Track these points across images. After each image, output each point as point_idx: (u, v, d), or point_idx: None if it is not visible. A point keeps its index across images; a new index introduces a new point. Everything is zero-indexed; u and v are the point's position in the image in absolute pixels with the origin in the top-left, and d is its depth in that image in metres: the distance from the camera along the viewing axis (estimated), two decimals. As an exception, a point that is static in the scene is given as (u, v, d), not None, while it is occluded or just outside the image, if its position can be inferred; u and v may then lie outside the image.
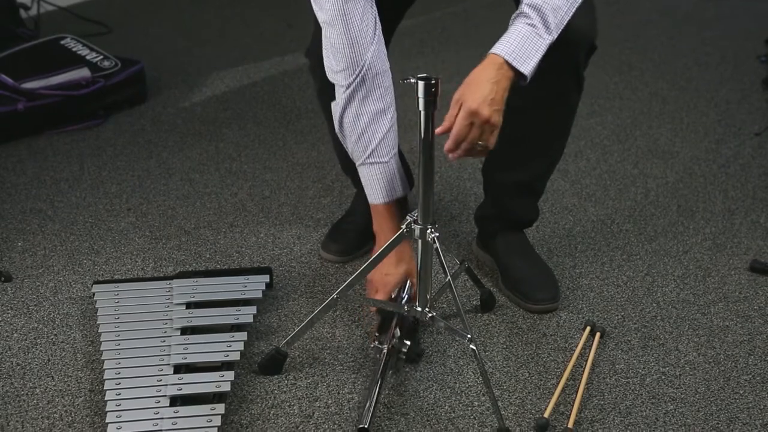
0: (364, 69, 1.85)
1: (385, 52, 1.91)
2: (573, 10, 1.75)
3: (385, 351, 1.86)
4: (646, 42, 3.73)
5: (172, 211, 2.54)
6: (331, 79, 1.90)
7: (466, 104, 1.67)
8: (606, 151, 2.83)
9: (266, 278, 2.14)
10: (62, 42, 3.24)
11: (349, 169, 2.35)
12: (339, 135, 1.97)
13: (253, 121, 3.08)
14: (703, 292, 2.17)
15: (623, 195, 2.59)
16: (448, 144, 1.71)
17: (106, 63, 3.13)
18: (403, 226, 1.84)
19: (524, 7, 1.72)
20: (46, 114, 2.95)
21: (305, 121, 3.06)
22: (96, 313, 2.04)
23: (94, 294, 2.10)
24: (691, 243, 2.36)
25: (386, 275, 1.94)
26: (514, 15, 1.74)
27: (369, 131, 1.91)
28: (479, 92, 1.66)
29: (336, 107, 1.92)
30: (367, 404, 1.76)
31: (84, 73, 3.04)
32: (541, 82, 1.77)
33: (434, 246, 1.82)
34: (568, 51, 1.86)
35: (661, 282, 2.22)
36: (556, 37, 1.73)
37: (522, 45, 1.69)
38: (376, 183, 1.95)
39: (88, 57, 3.15)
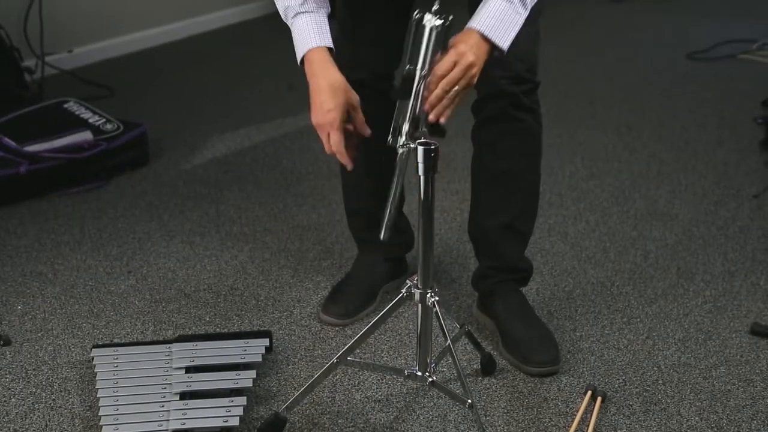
0: None
1: None
2: None
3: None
4: (643, 104, 3.77)
5: (173, 274, 2.54)
6: None
7: (456, 48, 1.73)
8: (605, 213, 2.85)
9: (266, 342, 2.13)
10: (65, 105, 3.27)
11: (355, 219, 2.37)
12: None
13: (254, 183, 3.09)
14: (705, 356, 2.17)
15: (623, 257, 2.60)
16: (435, 92, 1.73)
17: (109, 126, 3.16)
18: (403, 290, 1.84)
19: None
20: (48, 177, 2.97)
21: (306, 183, 3.08)
22: (95, 377, 2.03)
23: (93, 358, 2.09)
24: (691, 305, 2.36)
25: (329, 111, 1.84)
26: None
27: None
28: (469, 44, 1.74)
29: None
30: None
31: (86, 136, 3.06)
32: (496, 120, 2.03)
33: (434, 310, 1.83)
34: (503, 89, 2.00)
35: (662, 345, 2.21)
36: (527, 14, 1.80)
37: (500, 20, 1.76)
38: (308, 30, 1.88)
39: (90, 120, 3.18)
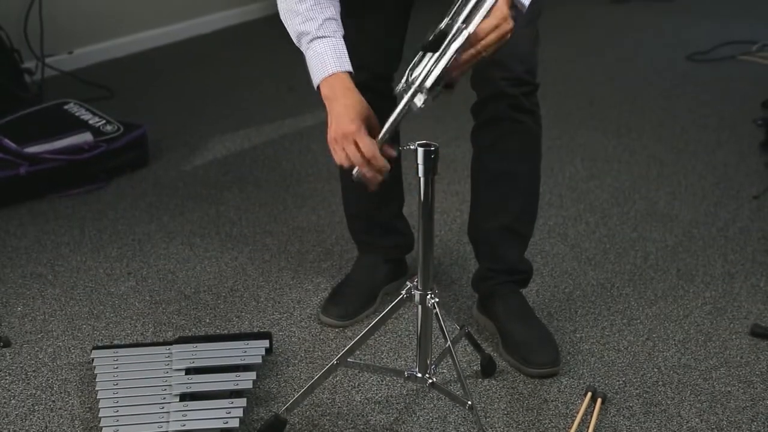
0: None
1: None
2: None
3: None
4: (643, 105, 3.76)
5: (173, 275, 2.54)
6: None
7: (495, 13, 1.70)
8: (605, 215, 2.84)
9: (266, 343, 2.13)
10: (65, 107, 3.27)
11: (355, 222, 2.37)
12: (287, 10, 1.88)
13: (254, 184, 3.09)
14: (705, 357, 2.17)
15: (623, 258, 2.60)
16: (470, 52, 1.70)
17: (109, 127, 3.16)
18: (403, 292, 1.84)
19: None
20: (49, 178, 2.97)
21: (306, 184, 3.08)
22: (95, 379, 2.03)
23: (93, 359, 2.09)
24: (691, 307, 2.36)
25: (351, 122, 1.79)
26: None
27: (316, 10, 1.86)
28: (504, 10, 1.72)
29: None
30: None
31: (86, 137, 3.06)
32: (496, 122, 2.06)
33: (434, 311, 1.83)
34: (503, 90, 2.02)
35: (662, 347, 2.21)
36: None
37: None
38: (326, 55, 1.84)
39: (90, 121, 3.18)
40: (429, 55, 1.69)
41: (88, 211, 2.91)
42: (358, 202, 2.35)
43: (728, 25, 4.79)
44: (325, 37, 1.85)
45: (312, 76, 1.86)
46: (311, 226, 2.80)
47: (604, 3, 5.34)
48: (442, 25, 1.70)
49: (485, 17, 1.69)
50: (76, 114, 3.23)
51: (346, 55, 1.86)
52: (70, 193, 3.00)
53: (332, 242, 2.70)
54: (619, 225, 2.78)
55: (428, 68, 1.68)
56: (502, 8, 1.72)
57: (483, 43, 1.70)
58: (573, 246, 2.67)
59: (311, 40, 1.85)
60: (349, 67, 1.86)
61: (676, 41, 4.61)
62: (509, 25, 1.72)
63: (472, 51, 1.70)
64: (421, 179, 1.73)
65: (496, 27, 1.71)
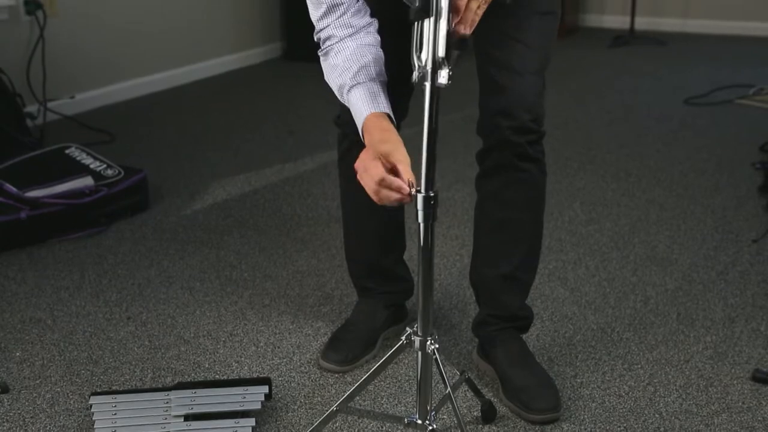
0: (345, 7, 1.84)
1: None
2: None
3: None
4: (642, 149, 3.79)
5: (172, 320, 2.53)
6: (317, 27, 1.88)
7: None
8: (605, 259, 2.85)
9: (265, 389, 2.12)
10: (67, 151, 3.29)
11: (356, 266, 2.37)
12: (327, 69, 1.88)
13: (254, 228, 3.10)
14: (706, 403, 2.15)
15: (623, 303, 2.59)
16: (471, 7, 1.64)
17: (110, 171, 3.17)
18: (403, 338, 1.84)
19: None
20: (49, 222, 2.98)
21: (306, 228, 3.09)
22: (93, 425, 2.02)
23: (91, 405, 2.08)
24: (692, 352, 2.35)
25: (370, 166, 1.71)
26: None
27: (353, 59, 1.84)
28: None
29: (327, 43, 1.88)
30: None
31: (87, 181, 3.08)
32: (499, 170, 2.06)
33: (434, 357, 1.82)
34: (508, 139, 2.03)
35: (663, 392, 2.20)
36: None
37: None
38: (361, 100, 1.81)
39: (91, 166, 3.20)
40: (426, 26, 1.60)
41: (87, 255, 2.91)
42: (360, 248, 2.36)
43: (725, 69, 4.83)
44: (358, 84, 1.82)
45: (358, 129, 1.82)
46: (311, 271, 2.80)
47: (602, 48, 5.39)
48: None
49: None
50: (78, 158, 3.25)
51: (383, 95, 1.81)
52: (70, 237, 3.01)
53: (332, 287, 2.70)
54: (619, 269, 2.79)
55: (432, 39, 1.60)
56: None
57: None
58: (573, 290, 2.66)
59: (348, 91, 1.83)
60: (385, 108, 1.81)
61: (673, 85, 4.65)
62: None
63: (473, 5, 1.61)
64: (421, 225, 1.73)
65: None
